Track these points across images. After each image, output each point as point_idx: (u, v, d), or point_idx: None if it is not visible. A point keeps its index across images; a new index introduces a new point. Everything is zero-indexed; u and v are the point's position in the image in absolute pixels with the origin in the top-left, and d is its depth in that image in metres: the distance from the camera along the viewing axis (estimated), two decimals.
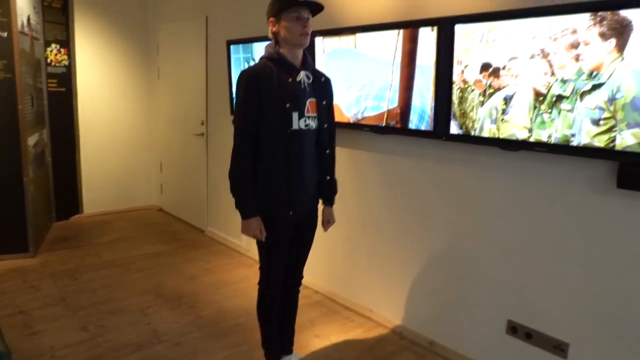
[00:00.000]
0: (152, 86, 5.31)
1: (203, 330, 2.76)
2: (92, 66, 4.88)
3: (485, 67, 2.11)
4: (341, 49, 2.80)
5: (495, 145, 2.16)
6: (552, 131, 1.92)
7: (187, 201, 4.94)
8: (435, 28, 2.27)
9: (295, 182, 1.98)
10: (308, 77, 1.99)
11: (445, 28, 2.22)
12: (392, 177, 2.78)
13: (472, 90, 2.17)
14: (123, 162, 5.24)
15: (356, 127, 2.80)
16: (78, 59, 4.76)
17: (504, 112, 2.07)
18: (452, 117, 2.28)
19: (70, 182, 4.87)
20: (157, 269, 3.67)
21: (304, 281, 2.32)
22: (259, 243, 2.07)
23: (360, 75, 2.70)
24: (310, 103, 1.99)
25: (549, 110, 1.92)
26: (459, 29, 2.17)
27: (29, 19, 3.88)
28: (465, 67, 2.18)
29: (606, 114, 1.76)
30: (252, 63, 3.51)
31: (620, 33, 1.69)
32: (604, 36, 1.73)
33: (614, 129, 1.75)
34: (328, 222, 2.22)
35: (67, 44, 4.66)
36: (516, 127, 2.04)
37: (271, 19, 1.94)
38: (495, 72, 2.07)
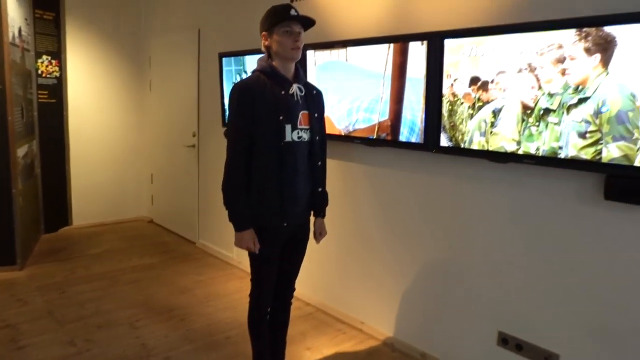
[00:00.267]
0: (144, 98, 5.31)
1: (193, 343, 2.73)
2: (83, 78, 4.88)
3: (474, 80, 2.14)
4: (332, 61, 2.83)
5: (484, 157, 2.19)
6: (540, 144, 1.95)
7: (178, 213, 4.91)
8: (425, 42, 2.31)
9: (288, 193, 1.99)
10: (300, 90, 2.01)
11: (435, 42, 2.26)
12: (383, 189, 2.79)
13: (462, 103, 2.21)
14: (113, 174, 5.21)
15: (347, 139, 2.82)
16: (69, 71, 4.76)
17: (492, 124, 2.11)
18: (442, 129, 2.30)
19: (60, 194, 4.83)
20: (147, 281, 3.64)
21: (295, 293, 2.31)
22: (251, 255, 2.06)
23: (351, 87, 2.73)
24: (302, 115, 2.01)
25: (537, 123, 1.95)
26: (448, 43, 2.21)
27: (20, 31, 3.88)
28: (455, 80, 2.21)
29: (592, 127, 1.80)
30: (244, 75, 3.54)
31: (605, 48, 1.73)
32: (589, 51, 1.77)
33: (600, 142, 1.78)
34: (320, 234, 2.22)
35: (58, 55, 4.65)
36: (505, 139, 2.07)
37: (264, 33, 1.97)
38: (484, 86, 2.11)
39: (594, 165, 1.82)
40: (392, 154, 2.70)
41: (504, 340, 2.27)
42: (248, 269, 2.17)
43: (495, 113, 2.09)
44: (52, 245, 4.40)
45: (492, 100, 2.09)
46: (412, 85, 2.41)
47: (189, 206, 4.67)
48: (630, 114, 1.70)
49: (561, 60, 1.85)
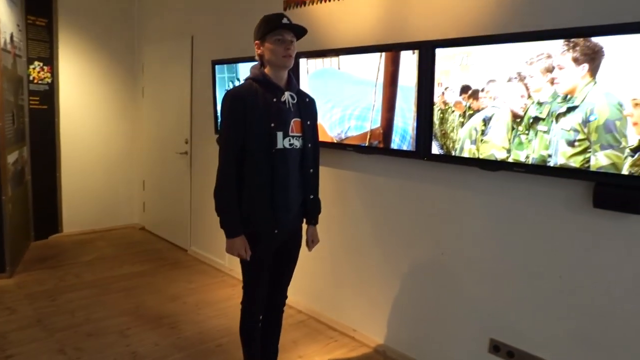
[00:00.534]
0: (136, 105, 5.30)
1: (184, 351, 2.71)
2: (75, 84, 4.86)
3: (464, 89, 2.17)
4: (325, 69, 2.84)
5: (475, 165, 2.20)
6: (529, 152, 1.97)
7: (170, 220, 4.89)
8: (417, 51, 2.33)
9: (280, 200, 1.99)
10: (292, 98, 2.03)
11: (426, 51, 2.29)
12: (375, 196, 2.80)
13: (453, 111, 2.23)
14: (105, 181, 5.18)
15: (340, 146, 2.83)
16: (61, 77, 4.74)
17: (483, 132, 2.13)
18: (433, 137, 2.32)
19: (50, 201, 4.79)
20: (138, 289, 3.61)
21: (287, 301, 2.30)
22: (242, 262, 2.06)
23: (343, 95, 2.75)
24: (294, 123, 2.02)
25: (526, 132, 1.97)
26: (440, 52, 2.23)
27: (12, 37, 3.87)
28: (446, 89, 2.24)
29: (581, 136, 1.82)
30: (236, 83, 3.54)
31: (593, 58, 1.76)
32: (577, 61, 1.80)
33: (589, 150, 1.81)
34: (312, 242, 2.23)
35: (50, 61, 4.64)
36: (495, 147, 2.09)
37: (256, 41, 1.99)
38: (475, 94, 2.13)
39: (582, 174, 1.84)
40: (384, 161, 2.71)
41: (496, 348, 2.27)
42: (240, 276, 2.16)
43: (486, 121, 2.11)
44: (42, 253, 4.35)
45: (482, 109, 2.12)
46: (404, 93, 2.43)
47: (181, 213, 4.65)
48: (618, 123, 1.72)
49: (550, 69, 1.88)
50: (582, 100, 1.80)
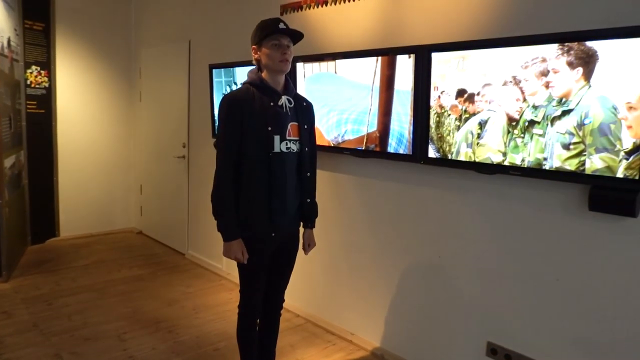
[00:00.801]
0: (134, 109, 5.30)
1: (181, 356, 2.71)
2: (72, 88, 4.86)
3: (460, 93, 2.18)
4: (322, 74, 2.85)
5: (471, 169, 2.21)
6: (525, 155, 1.98)
7: (168, 224, 4.88)
8: (413, 56, 2.34)
9: (277, 204, 2.00)
10: (289, 102, 2.03)
11: (422, 56, 2.30)
12: (372, 200, 2.81)
13: (449, 115, 2.24)
14: (102, 185, 5.18)
15: (336, 150, 2.84)
16: (58, 81, 4.74)
17: (479, 136, 2.14)
18: (429, 141, 2.33)
19: (47, 205, 4.78)
20: (135, 293, 3.60)
21: (285, 304, 2.30)
22: (239, 265, 2.06)
23: (340, 99, 2.76)
24: (291, 127, 2.02)
25: (522, 135, 1.98)
26: (436, 56, 2.25)
27: (9, 41, 3.87)
28: (442, 92, 2.25)
29: (576, 139, 1.83)
30: (233, 87, 3.55)
31: (587, 62, 1.77)
32: (571, 65, 1.81)
33: (584, 153, 1.82)
34: (309, 245, 2.23)
35: (47, 66, 4.64)
36: (491, 150, 2.10)
37: (253, 46, 2.00)
38: (470, 98, 2.14)
39: (578, 177, 1.85)
40: (381, 165, 2.72)
41: (493, 351, 2.28)
42: (237, 280, 2.16)
43: (482, 125, 2.12)
44: (39, 257, 4.34)
45: (478, 112, 2.13)
46: (400, 97, 2.44)
47: (179, 217, 4.65)
48: (612, 126, 1.73)
49: (545, 73, 1.89)
50: (577, 104, 1.81)
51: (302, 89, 2.94)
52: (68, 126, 4.85)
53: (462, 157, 2.22)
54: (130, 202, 5.42)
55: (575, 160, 1.84)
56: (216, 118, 3.74)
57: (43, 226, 4.74)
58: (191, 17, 4.31)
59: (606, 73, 1.73)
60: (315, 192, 2.21)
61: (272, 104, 1.98)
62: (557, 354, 2.06)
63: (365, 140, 2.66)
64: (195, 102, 4.33)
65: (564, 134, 1.86)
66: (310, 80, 2.93)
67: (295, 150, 2.03)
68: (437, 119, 2.29)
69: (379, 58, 2.51)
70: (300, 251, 2.23)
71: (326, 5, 2.96)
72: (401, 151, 2.48)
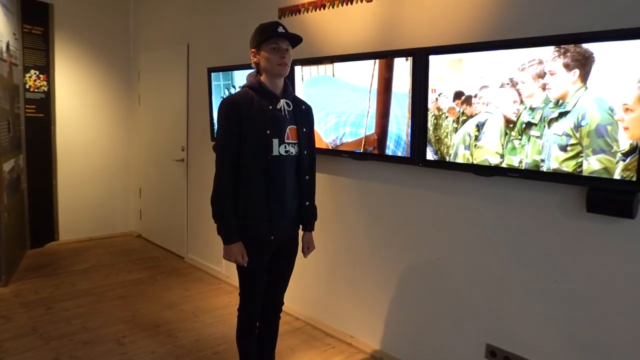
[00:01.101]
0: (133, 112, 5.31)
1: (181, 359, 2.70)
2: (71, 92, 4.87)
3: (458, 95, 2.19)
4: (320, 76, 2.86)
5: (469, 171, 2.22)
6: (522, 157, 1.99)
7: (167, 227, 4.88)
8: (410, 58, 2.35)
9: (276, 206, 2.00)
10: (288, 105, 2.04)
11: (420, 58, 2.31)
12: (371, 202, 2.81)
13: (446, 117, 2.25)
14: (101, 188, 5.18)
15: (335, 153, 2.85)
16: (57, 85, 4.75)
17: (476, 138, 2.14)
18: (427, 143, 2.34)
19: (46, 209, 4.78)
20: (134, 297, 3.60)
21: (284, 307, 2.30)
22: (239, 268, 2.06)
23: (338, 102, 2.77)
24: (290, 130, 2.03)
25: (519, 137, 1.99)
26: (433, 59, 2.25)
27: (8, 45, 3.88)
28: (439, 95, 2.26)
29: (573, 141, 1.84)
30: (232, 90, 3.56)
31: (583, 64, 1.78)
32: (568, 67, 1.82)
33: (581, 155, 1.82)
34: (308, 248, 2.23)
35: (46, 70, 4.65)
36: (489, 152, 2.11)
37: (252, 50, 2.01)
38: (468, 100, 2.15)
39: (575, 179, 1.86)
40: (379, 167, 2.73)
41: (492, 353, 2.28)
42: (237, 283, 2.17)
43: (479, 127, 2.13)
44: (38, 261, 4.34)
45: (475, 114, 2.14)
46: (398, 99, 2.44)
47: (178, 221, 4.65)
48: (609, 128, 1.74)
49: (541, 75, 1.90)
50: (574, 106, 1.82)
51: (300, 92, 2.95)
52: (67, 130, 4.85)
53: (460, 159, 2.22)
54: (130, 206, 5.42)
55: (573, 162, 1.85)
56: (215, 121, 3.74)
57: (42, 230, 4.74)
58: (190, 21, 4.32)
59: (603, 75, 1.74)
60: (315, 195, 2.21)
61: (270, 107, 1.98)
62: (557, 356, 2.06)
63: (363, 143, 2.67)
64: (194, 105, 4.34)
65: (561, 135, 1.87)
66: (309, 83, 2.94)
67: (294, 154, 2.04)
68: (435, 121, 2.29)
69: (377, 61, 2.52)
70: (300, 254, 2.23)
71: (324, 8, 2.98)
72: (399, 153, 2.49)
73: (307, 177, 2.12)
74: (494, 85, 2.05)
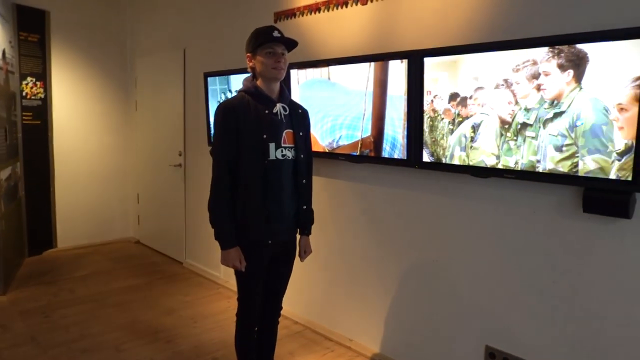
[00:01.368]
0: (130, 118, 5.31)
1: None
2: (68, 99, 4.87)
3: (453, 96, 2.19)
4: (315, 80, 2.87)
5: (466, 172, 2.22)
6: (518, 157, 1.99)
7: (165, 233, 4.87)
8: (405, 61, 2.36)
9: (273, 211, 2.00)
10: (284, 109, 2.04)
11: (415, 61, 2.31)
12: (368, 205, 2.81)
13: (442, 119, 2.25)
14: (99, 195, 5.17)
15: (331, 156, 2.85)
16: (54, 92, 4.75)
17: (472, 139, 2.15)
18: (423, 145, 2.34)
19: (44, 216, 4.76)
20: (133, 303, 3.59)
21: (283, 312, 2.30)
22: (237, 273, 2.06)
23: (334, 105, 2.77)
24: (286, 134, 2.03)
25: (515, 138, 1.99)
26: (428, 61, 2.26)
27: (4, 53, 3.88)
28: (435, 97, 2.26)
29: (568, 141, 1.84)
30: (229, 95, 3.56)
31: (577, 65, 1.79)
32: (562, 67, 1.83)
33: (576, 155, 1.83)
34: (305, 252, 2.23)
35: (43, 77, 4.65)
36: (484, 153, 2.11)
37: (248, 54, 2.01)
38: (463, 102, 2.16)
39: (571, 179, 1.86)
40: (376, 170, 2.73)
41: (491, 355, 2.27)
42: (235, 288, 2.16)
43: (475, 128, 2.13)
44: (36, 269, 4.33)
45: (471, 116, 2.14)
46: (393, 102, 2.45)
47: (176, 226, 4.64)
48: (604, 128, 1.75)
49: (536, 76, 1.90)
50: (569, 106, 1.82)
51: (296, 96, 2.95)
52: (64, 137, 4.85)
53: (456, 161, 2.22)
54: (128, 212, 5.41)
55: (568, 162, 1.85)
56: (212, 126, 3.74)
57: (40, 237, 4.73)
58: (186, 26, 4.33)
59: (597, 75, 1.74)
60: (312, 199, 2.21)
61: (267, 111, 1.98)
62: (556, 357, 2.05)
63: (359, 146, 2.67)
64: (190, 110, 4.34)
65: (556, 136, 1.87)
66: (305, 86, 2.94)
67: (290, 158, 2.04)
68: (431, 123, 2.30)
69: (372, 64, 2.53)
70: (297, 258, 2.22)
71: (319, 12, 2.98)
72: (395, 156, 2.49)
73: (304, 180, 2.12)
74: (489, 87, 2.06)
